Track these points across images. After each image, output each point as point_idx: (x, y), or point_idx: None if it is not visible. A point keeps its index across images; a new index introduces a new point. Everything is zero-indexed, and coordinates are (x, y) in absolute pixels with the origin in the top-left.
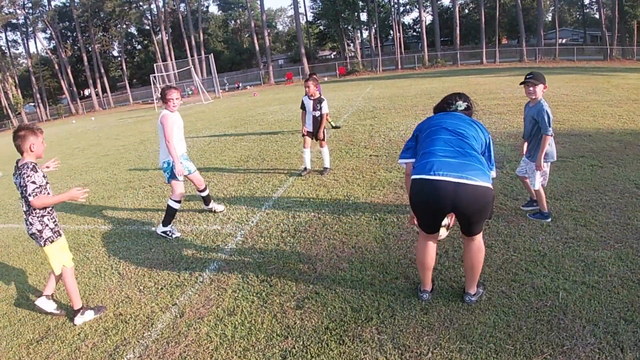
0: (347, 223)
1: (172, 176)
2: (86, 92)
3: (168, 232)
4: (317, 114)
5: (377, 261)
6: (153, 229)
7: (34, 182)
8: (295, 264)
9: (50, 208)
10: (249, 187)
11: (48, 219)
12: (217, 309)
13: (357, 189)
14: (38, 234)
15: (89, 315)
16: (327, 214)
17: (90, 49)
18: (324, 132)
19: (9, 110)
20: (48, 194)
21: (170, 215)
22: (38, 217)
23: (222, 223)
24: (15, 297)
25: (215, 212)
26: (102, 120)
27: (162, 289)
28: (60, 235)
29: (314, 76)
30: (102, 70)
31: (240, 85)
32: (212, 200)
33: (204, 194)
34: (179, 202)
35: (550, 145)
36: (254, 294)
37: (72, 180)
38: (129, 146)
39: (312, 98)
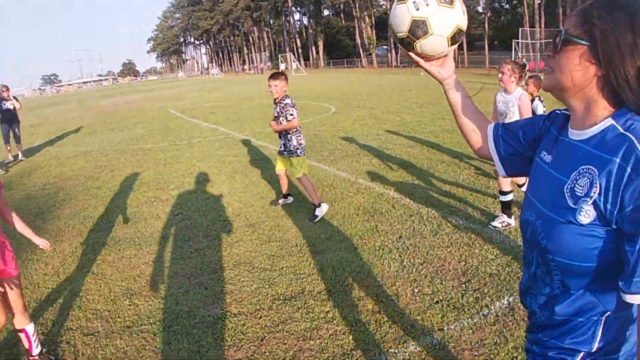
0: None
1: None
2: None
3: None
4: None
5: None
6: (463, 223)
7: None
8: None
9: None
10: None
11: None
12: None
13: None
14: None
15: (324, 207)
16: None
17: None
18: None
19: (361, 49)
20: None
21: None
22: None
23: None
24: (290, 243)
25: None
26: (431, 78)
27: (436, 302)
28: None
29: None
30: None
31: None
32: None
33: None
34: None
35: None
36: None
37: (396, 138)
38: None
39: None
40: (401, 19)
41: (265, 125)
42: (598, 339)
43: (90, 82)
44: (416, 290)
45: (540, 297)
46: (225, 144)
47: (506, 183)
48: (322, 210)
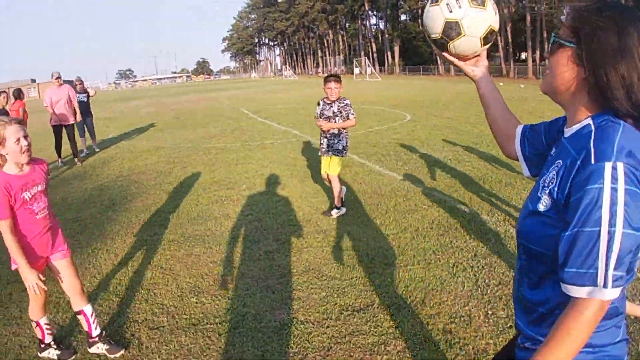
0: None
1: None
2: (522, 55)
3: None
4: None
5: None
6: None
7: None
8: None
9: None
10: None
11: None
12: None
13: None
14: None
15: (343, 210)
16: None
17: (535, 9)
18: None
19: (438, 56)
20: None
21: None
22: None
23: None
24: (361, 252)
25: None
26: (531, 90)
27: (510, 327)
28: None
29: None
30: (544, 35)
31: None
32: None
33: None
34: None
35: None
36: None
37: (473, 150)
38: None
39: None
40: (434, 21)
41: None
42: None
43: (164, 78)
44: (490, 313)
45: (516, 282)
46: (297, 146)
47: None
48: (340, 212)
